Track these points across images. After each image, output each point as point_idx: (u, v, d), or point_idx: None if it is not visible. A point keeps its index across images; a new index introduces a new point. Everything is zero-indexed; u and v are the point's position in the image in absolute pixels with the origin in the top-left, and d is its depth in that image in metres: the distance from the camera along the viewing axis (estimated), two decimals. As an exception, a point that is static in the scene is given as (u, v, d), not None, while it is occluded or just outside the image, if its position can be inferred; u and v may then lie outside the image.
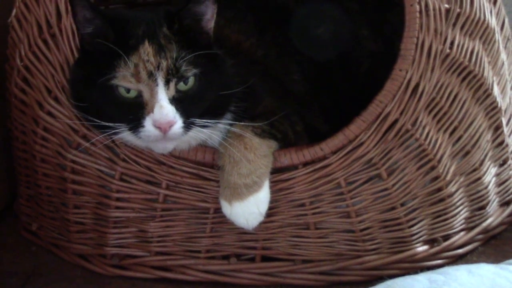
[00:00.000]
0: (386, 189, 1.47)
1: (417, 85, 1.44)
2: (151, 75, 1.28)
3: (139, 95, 1.29)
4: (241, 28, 1.61)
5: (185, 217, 1.49)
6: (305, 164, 1.45)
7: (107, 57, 1.29)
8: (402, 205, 1.49)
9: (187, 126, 1.30)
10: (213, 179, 1.44)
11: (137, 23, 1.33)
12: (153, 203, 1.48)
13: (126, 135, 1.33)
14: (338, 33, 1.70)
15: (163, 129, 1.28)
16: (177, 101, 1.29)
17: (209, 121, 1.33)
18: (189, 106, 1.31)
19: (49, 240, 1.62)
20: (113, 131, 1.31)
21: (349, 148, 1.44)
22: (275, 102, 1.51)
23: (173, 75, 1.29)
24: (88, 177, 1.49)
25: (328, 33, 1.70)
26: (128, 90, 1.29)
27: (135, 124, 1.29)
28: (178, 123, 1.29)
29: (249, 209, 1.39)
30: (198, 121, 1.31)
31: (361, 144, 1.44)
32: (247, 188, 1.38)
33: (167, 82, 1.29)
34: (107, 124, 1.30)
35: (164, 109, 1.27)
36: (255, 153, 1.39)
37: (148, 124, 1.28)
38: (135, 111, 1.29)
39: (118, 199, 1.49)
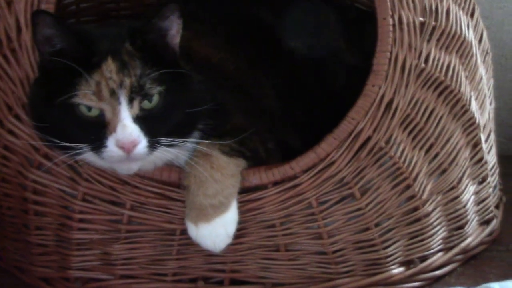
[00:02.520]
0: (359, 209, 1.43)
1: (390, 101, 1.40)
2: (113, 93, 1.24)
3: (101, 113, 1.25)
4: (211, 42, 1.56)
5: (150, 239, 1.44)
6: (275, 183, 1.41)
7: (68, 75, 1.24)
8: (376, 225, 1.46)
9: (152, 145, 1.26)
10: (179, 199, 1.39)
11: (101, 39, 1.29)
12: (117, 225, 1.43)
13: (88, 156, 1.28)
14: (313, 45, 1.67)
15: (127, 149, 1.23)
16: (141, 119, 1.25)
17: (175, 140, 1.29)
18: (154, 125, 1.26)
19: (11, 263, 1.57)
20: (76, 152, 1.26)
21: (320, 166, 1.39)
22: (246, 118, 1.47)
23: (136, 93, 1.24)
24: (49, 197, 1.45)
25: (303, 45, 1.66)
26: (89, 109, 1.25)
27: (98, 145, 1.24)
28: (142, 143, 1.24)
29: (216, 231, 1.36)
30: (163, 140, 1.27)
31: (333, 162, 1.39)
32: (213, 209, 1.34)
33: (130, 101, 1.24)
34: (69, 145, 1.25)
35: (127, 129, 1.23)
36: (222, 173, 1.35)
37: (111, 144, 1.23)
38: (97, 131, 1.24)
39: (80, 220, 1.44)
